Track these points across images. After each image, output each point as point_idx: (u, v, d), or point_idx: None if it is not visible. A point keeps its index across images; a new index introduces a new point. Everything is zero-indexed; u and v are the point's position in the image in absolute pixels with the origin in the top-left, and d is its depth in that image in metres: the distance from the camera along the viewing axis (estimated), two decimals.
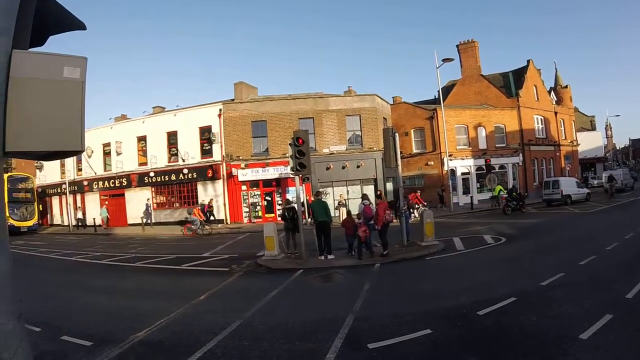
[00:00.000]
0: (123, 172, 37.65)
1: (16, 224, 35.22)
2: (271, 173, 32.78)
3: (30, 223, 37.73)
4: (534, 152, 44.12)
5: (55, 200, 44.35)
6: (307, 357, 6.31)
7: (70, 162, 39.90)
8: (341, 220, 21.01)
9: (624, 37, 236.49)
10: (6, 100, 2.11)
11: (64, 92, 2.32)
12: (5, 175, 22.85)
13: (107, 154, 39.36)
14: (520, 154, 41.77)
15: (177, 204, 35.80)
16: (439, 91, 36.11)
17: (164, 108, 41.40)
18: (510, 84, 45.64)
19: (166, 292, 12.55)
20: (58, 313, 9.99)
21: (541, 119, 46.52)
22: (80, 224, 38.57)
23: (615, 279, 9.71)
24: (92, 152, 39.23)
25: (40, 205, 42.36)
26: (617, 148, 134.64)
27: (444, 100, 38.21)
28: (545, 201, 34.33)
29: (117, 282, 14.25)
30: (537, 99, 46.77)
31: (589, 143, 64.96)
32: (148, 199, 35.82)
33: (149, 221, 34.71)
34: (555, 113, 49.38)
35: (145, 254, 19.64)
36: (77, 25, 2.91)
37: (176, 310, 9.30)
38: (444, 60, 32.76)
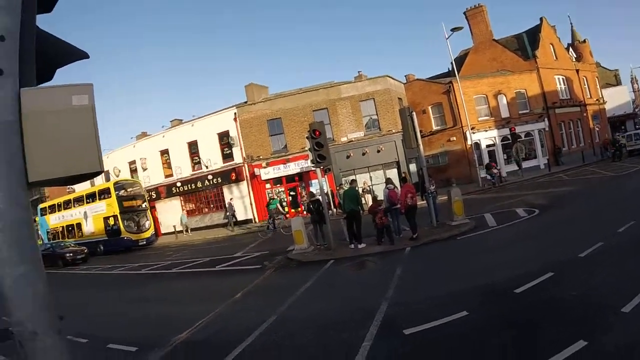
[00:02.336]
0: (151, 185, 38.69)
1: (134, 237, 31.09)
2: (292, 168, 33.00)
3: (147, 234, 32.38)
4: (560, 115, 41.66)
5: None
6: (343, 347, 6.32)
7: (99, 181, 40.83)
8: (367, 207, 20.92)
9: None
10: (22, 136, 2.34)
11: (76, 119, 2.50)
12: (111, 182, 26.42)
13: (133, 171, 40.49)
14: (546, 119, 39.64)
15: (206, 210, 36.60)
16: (452, 63, 34.50)
17: (182, 120, 41.93)
18: (526, 45, 43.23)
19: (203, 294, 12.85)
20: (103, 324, 10.39)
21: (563, 79, 43.90)
22: None
23: None
24: (120, 171, 40.41)
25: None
26: None
27: (458, 72, 36.81)
28: (629, 152, 35.89)
29: (157, 290, 14.77)
30: (556, 58, 44.24)
31: (616, 99, 60.19)
32: (231, 198, 34.73)
33: (233, 220, 33.25)
34: (577, 71, 46.30)
35: (181, 260, 20.14)
36: (80, 55, 3.06)
37: (214, 310, 9.58)
38: (453, 29, 30.93)
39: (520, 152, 34.23)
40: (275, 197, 31.58)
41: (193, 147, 36.97)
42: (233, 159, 34.97)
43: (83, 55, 3.10)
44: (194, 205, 37.96)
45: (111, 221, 31.35)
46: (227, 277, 14.84)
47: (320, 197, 16.42)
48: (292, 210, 33.28)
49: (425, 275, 10.44)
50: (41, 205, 40.81)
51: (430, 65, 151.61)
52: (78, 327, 10.09)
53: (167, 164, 38.32)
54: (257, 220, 33.66)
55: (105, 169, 40.99)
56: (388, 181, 16.55)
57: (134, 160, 40.40)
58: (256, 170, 33.43)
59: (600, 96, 51.89)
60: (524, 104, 39.98)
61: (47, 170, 2.41)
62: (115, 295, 14.94)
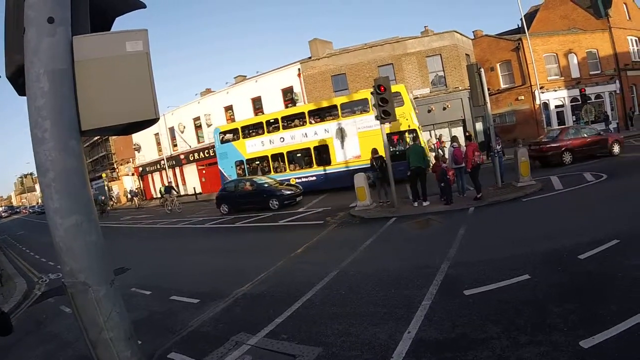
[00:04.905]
0: None
1: None
2: None
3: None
4: (632, 77, 39.25)
5: (156, 176, 47.19)
6: (403, 304, 6.34)
7: (165, 139, 42.47)
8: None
9: None
10: (75, 84, 2.29)
11: (130, 65, 2.46)
12: (402, 85, 21.84)
13: (198, 127, 41.58)
14: (617, 81, 37.70)
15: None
16: (521, 19, 34.02)
17: (245, 76, 42.44)
18: (598, 3, 40.70)
19: (265, 248, 13.10)
20: (167, 276, 10.89)
21: (636, 40, 41.29)
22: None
23: None
24: (185, 127, 41.72)
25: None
26: None
27: (528, 29, 35.75)
28: None
29: (220, 243, 15.29)
30: (629, 18, 41.61)
31: None
32: None
33: None
34: None
35: (245, 215, 20.55)
36: (136, 5, 3.04)
37: (276, 264, 9.79)
38: None
39: (590, 115, 32.57)
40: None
41: (257, 103, 37.33)
42: None
43: (139, 5, 3.05)
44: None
45: (407, 138, 23.72)
46: (289, 231, 15.10)
47: (384, 154, 16.28)
48: None
49: (488, 237, 10.20)
50: (221, 128, 31.40)
51: (499, 21, 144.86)
52: (142, 279, 10.62)
53: (231, 120, 38.65)
54: None
55: (170, 125, 42.69)
56: (453, 139, 16.15)
57: (199, 117, 41.28)
58: None
59: None
60: (595, 65, 38.06)
61: (101, 119, 2.37)
62: (178, 248, 15.55)
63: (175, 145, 43.81)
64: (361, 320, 6.05)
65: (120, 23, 3.11)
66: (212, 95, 41.58)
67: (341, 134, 25.17)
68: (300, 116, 27.05)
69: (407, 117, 23.46)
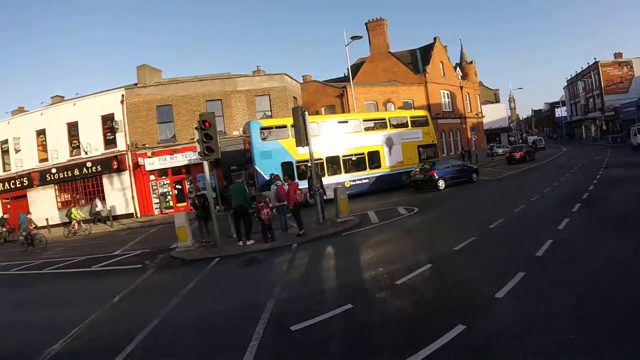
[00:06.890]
0: (23, 170, 35.16)
1: None
2: (180, 160, 32.00)
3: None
4: (442, 124, 46.11)
5: None
6: (231, 347, 6.34)
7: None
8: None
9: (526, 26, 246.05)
10: None
11: None
12: (426, 112, 34.17)
13: (5, 152, 36.52)
14: None
15: (83, 201, 33.99)
16: (348, 69, 37.27)
17: (64, 97, 38.87)
18: (418, 60, 47.69)
19: (78, 297, 11.94)
20: None
21: (448, 94, 49.23)
22: None
23: (525, 239, 10.57)
24: None
25: None
26: (521, 119, 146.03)
27: (353, 78, 39.20)
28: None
29: (26, 293, 13.48)
30: (444, 75, 49.30)
31: (494, 115, 70.25)
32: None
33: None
34: (461, 87, 52.61)
35: (55, 259, 18.64)
36: None
37: (91, 315, 9.04)
38: (353, 37, 33.24)
39: None
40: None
41: (73, 129, 34.25)
42: (116, 146, 33.07)
43: None
44: (69, 196, 34.85)
45: (428, 151, 32.43)
46: (104, 278, 13.95)
47: (206, 192, 16.20)
48: (178, 205, 32.38)
49: (311, 271, 10.84)
50: (263, 122, 28.02)
51: (328, 69, 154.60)
52: None
53: (42, 147, 35.08)
54: (139, 214, 32.25)
55: None
56: (276, 178, 16.70)
57: (7, 140, 36.28)
58: (140, 159, 31.96)
59: (480, 111, 59.22)
60: None
61: None
62: None
63: None
64: None
65: None
66: (25, 115, 37.06)
67: (389, 142, 30.28)
68: (354, 124, 29.93)
69: (430, 134, 32.79)
